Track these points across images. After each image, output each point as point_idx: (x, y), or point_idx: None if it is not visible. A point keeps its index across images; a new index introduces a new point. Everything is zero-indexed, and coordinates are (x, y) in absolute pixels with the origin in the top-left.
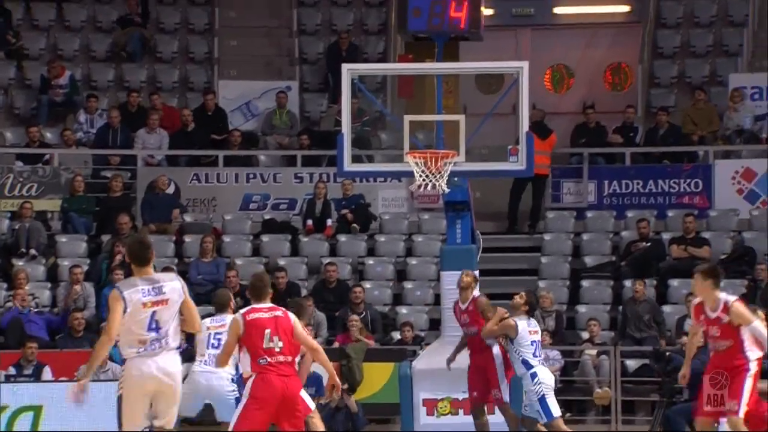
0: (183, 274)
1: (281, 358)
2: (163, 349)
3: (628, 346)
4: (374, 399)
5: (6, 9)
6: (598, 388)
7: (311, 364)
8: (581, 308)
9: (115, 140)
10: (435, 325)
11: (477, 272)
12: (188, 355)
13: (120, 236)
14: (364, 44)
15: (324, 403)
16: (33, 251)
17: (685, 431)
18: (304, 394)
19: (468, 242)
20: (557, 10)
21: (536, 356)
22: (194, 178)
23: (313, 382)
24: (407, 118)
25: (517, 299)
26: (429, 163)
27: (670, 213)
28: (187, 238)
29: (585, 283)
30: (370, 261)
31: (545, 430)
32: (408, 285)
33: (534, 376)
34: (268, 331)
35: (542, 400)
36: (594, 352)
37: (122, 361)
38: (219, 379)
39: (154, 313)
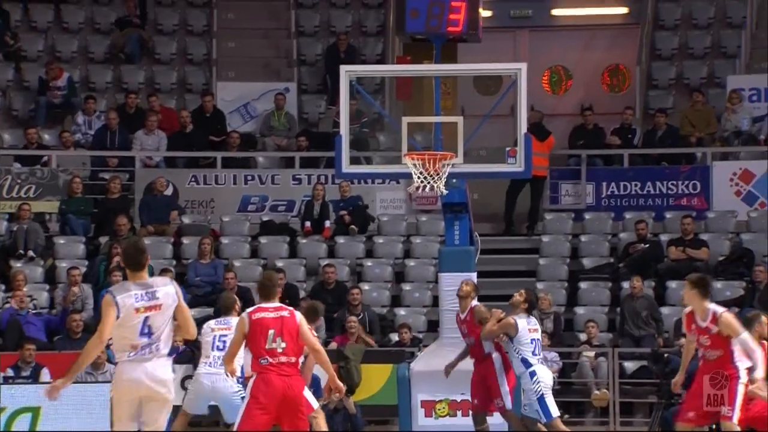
0: (181, 275)
1: (283, 358)
2: (154, 355)
3: (626, 348)
4: (372, 400)
5: (4, 10)
6: (597, 389)
7: (314, 365)
8: (579, 310)
9: (113, 142)
10: (433, 326)
11: (475, 278)
12: (188, 357)
13: (118, 238)
14: (363, 46)
15: (322, 404)
16: (31, 253)
17: None
18: (307, 393)
19: (466, 244)
20: (555, 11)
21: (535, 354)
22: (192, 179)
23: (311, 384)
24: (405, 120)
25: (517, 297)
26: (427, 164)
27: (668, 215)
28: (186, 240)
29: (583, 284)
30: (369, 262)
31: (546, 430)
32: (406, 287)
33: (533, 374)
34: (272, 331)
35: (541, 399)
36: (592, 353)
37: (115, 364)
38: (224, 381)
39: (146, 318)
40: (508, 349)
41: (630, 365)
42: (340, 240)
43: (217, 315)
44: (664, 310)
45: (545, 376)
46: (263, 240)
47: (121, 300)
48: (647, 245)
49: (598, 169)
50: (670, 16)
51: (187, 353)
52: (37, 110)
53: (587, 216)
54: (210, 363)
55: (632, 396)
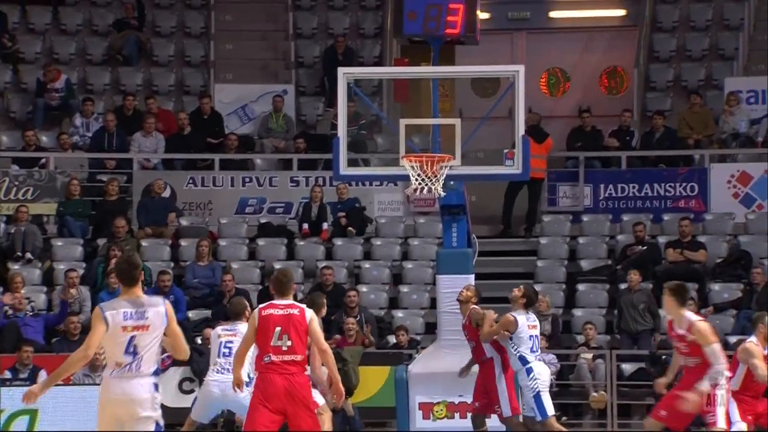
0: (179, 277)
1: (287, 357)
2: (135, 375)
3: (624, 350)
4: (370, 402)
5: (2, 12)
6: (594, 391)
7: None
8: (577, 312)
9: (111, 144)
10: (431, 328)
11: (473, 280)
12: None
13: (116, 240)
14: (360, 48)
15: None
16: (29, 255)
17: None
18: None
19: (464, 246)
20: (553, 14)
21: (534, 351)
22: (190, 181)
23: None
24: (403, 122)
25: (516, 292)
26: (425, 166)
27: (666, 217)
28: (183, 242)
29: (581, 286)
30: (366, 264)
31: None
32: (404, 289)
33: (529, 371)
34: (278, 329)
35: (537, 396)
36: (590, 355)
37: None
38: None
39: (133, 337)
40: (507, 346)
41: (628, 367)
42: (338, 242)
43: (215, 318)
44: (662, 312)
45: (542, 373)
46: (261, 242)
47: (110, 316)
48: (645, 247)
49: (595, 171)
50: (668, 18)
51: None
52: (35, 112)
53: (585, 218)
54: (218, 370)
55: (630, 398)
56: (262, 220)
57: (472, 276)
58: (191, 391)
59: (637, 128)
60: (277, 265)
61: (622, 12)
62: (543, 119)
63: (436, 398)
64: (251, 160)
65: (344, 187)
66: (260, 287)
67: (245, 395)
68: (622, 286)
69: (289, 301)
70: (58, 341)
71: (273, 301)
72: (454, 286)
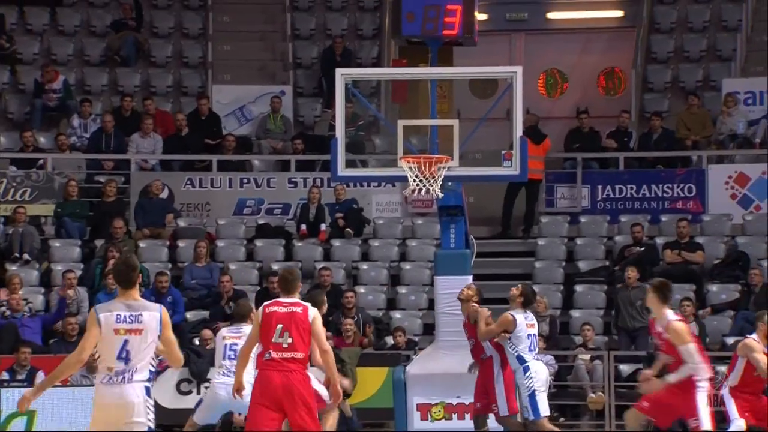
0: (177, 278)
1: (287, 354)
2: (125, 382)
3: (621, 351)
4: (368, 403)
5: None
6: (592, 392)
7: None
8: (575, 313)
9: (109, 145)
10: (429, 329)
11: (470, 281)
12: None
13: (114, 241)
14: (358, 49)
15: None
16: (26, 256)
17: None
18: (319, 387)
19: (462, 247)
20: (551, 15)
21: (532, 350)
22: (188, 182)
23: None
24: (401, 123)
25: (513, 291)
26: (423, 167)
27: (664, 218)
28: (181, 243)
29: (579, 288)
30: (364, 266)
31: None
32: (402, 290)
33: (526, 370)
34: (280, 326)
35: (532, 396)
36: (588, 356)
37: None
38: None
39: (126, 341)
40: (505, 345)
41: (625, 368)
42: (336, 243)
43: (213, 319)
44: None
45: (539, 373)
46: (259, 243)
47: (104, 318)
48: (643, 248)
49: (593, 172)
50: (666, 19)
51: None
52: (33, 113)
53: (583, 219)
54: (224, 372)
55: (628, 399)
56: (260, 221)
57: (470, 277)
58: (189, 392)
59: (635, 129)
60: (275, 266)
61: (619, 13)
62: (541, 120)
63: (434, 399)
64: (249, 161)
65: (342, 188)
66: (258, 288)
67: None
68: (620, 286)
69: (294, 299)
70: (55, 342)
71: (278, 299)
72: (452, 287)
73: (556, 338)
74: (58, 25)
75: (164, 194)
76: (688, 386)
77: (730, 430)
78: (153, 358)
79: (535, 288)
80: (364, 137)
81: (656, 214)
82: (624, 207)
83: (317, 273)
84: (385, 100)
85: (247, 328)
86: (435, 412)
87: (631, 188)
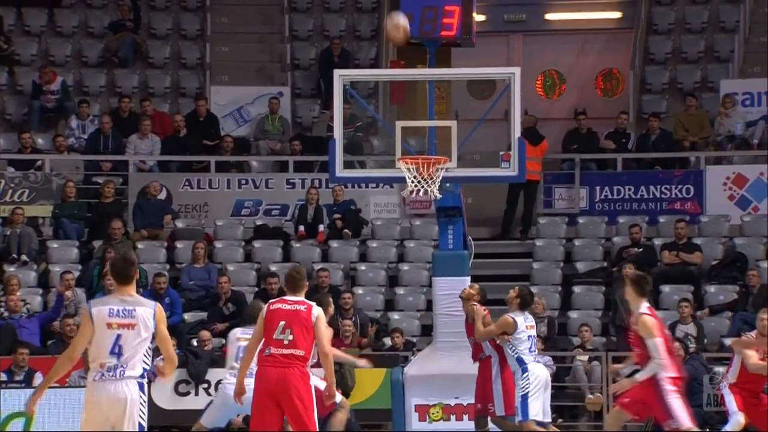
0: (175, 279)
1: (287, 350)
2: (118, 378)
3: (619, 352)
4: (366, 405)
5: None
6: (590, 393)
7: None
8: (573, 314)
9: (107, 146)
10: (427, 330)
11: (469, 282)
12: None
13: (112, 242)
14: (356, 50)
15: None
16: (24, 257)
17: None
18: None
19: (460, 248)
20: (549, 16)
21: (532, 352)
22: (186, 183)
23: None
24: (399, 124)
25: (510, 293)
26: (421, 168)
27: (662, 219)
28: (179, 244)
29: (577, 289)
30: (362, 267)
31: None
32: (400, 291)
33: (524, 371)
34: (282, 322)
35: (524, 397)
36: (586, 357)
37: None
38: (250, 391)
39: (118, 336)
40: (504, 347)
41: (624, 369)
42: (334, 244)
43: (211, 320)
44: (658, 314)
45: (538, 375)
46: (257, 244)
47: (96, 311)
48: (641, 249)
49: (591, 174)
50: (664, 20)
51: (181, 357)
52: (31, 114)
53: (581, 220)
54: (234, 374)
55: None
56: (258, 222)
57: (468, 278)
58: (187, 394)
59: (633, 130)
60: (273, 267)
61: (617, 14)
62: (539, 121)
63: (432, 400)
64: (247, 162)
65: (340, 189)
66: (256, 289)
67: None
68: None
69: (300, 298)
70: (53, 343)
71: (284, 297)
72: (450, 288)
73: (554, 339)
74: (55, 27)
75: (162, 195)
76: (654, 386)
77: (726, 428)
78: (147, 355)
79: (533, 289)
80: (362, 138)
81: (654, 215)
82: (622, 208)
83: (315, 274)
84: (383, 101)
85: None
86: (433, 413)
87: (629, 189)
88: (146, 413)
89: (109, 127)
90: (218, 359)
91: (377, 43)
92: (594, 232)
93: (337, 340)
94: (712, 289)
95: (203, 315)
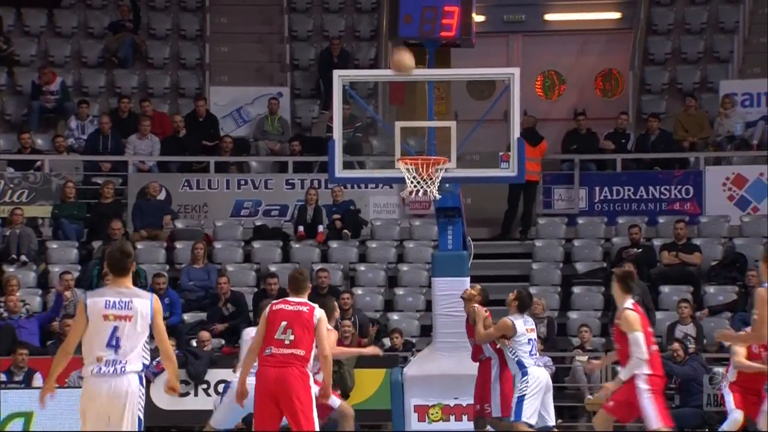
0: (174, 280)
1: (287, 350)
2: (119, 374)
3: None
4: (365, 405)
5: None
6: (590, 394)
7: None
8: (572, 314)
9: (106, 146)
10: (426, 331)
11: (468, 282)
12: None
13: (111, 242)
14: (356, 50)
15: None
16: (24, 258)
17: None
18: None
19: (459, 248)
20: (548, 16)
21: (532, 355)
22: (185, 184)
23: None
24: (398, 125)
25: (510, 296)
26: (420, 169)
27: (661, 219)
28: (179, 245)
29: (576, 289)
30: (362, 267)
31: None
32: (399, 291)
33: (524, 374)
34: (284, 322)
35: (521, 398)
36: (585, 358)
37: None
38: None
39: (115, 328)
40: (505, 350)
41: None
42: (333, 245)
43: (210, 320)
44: (658, 315)
45: (538, 378)
46: (256, 245)
47: (91, 302)
48: (640, 250)
49: (591, 174)
50: (663, 21)
51: (180, 357)
52: (30, 115)
53: (580, 221)
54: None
55: None
56: (258, 223)
57: (468, 278)
58: (186, 394)
59: (632, 131)
60: (273, 268)
61: (617, 15)
62: (538, 122)
63: (432, 401)
64: (246, 162)
65: (339, 190)
66: (255, 290)
67: None
68: None
69: (303, 299)
70: (53, 343)
71: (287, 298)
72: (450, 288)
73: (554, 340)
74: (55, 27)
75: (162, 196)
76: (630, 384)
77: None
78: (145, 349)
79: (533, 290)
80: (361, 139)
81: (653, 216)
82: (621, 208)
83: (314, 275)
84: (382, 101)
85: None
86: (432, 414)
87: (629, 190)
88: (143, 406)
89: (109, 128)
90: (218, 360)
91: (377, 43)
92: (593, 233)
93: (337, 341)
94: (711, 289)
95: (203, 315)
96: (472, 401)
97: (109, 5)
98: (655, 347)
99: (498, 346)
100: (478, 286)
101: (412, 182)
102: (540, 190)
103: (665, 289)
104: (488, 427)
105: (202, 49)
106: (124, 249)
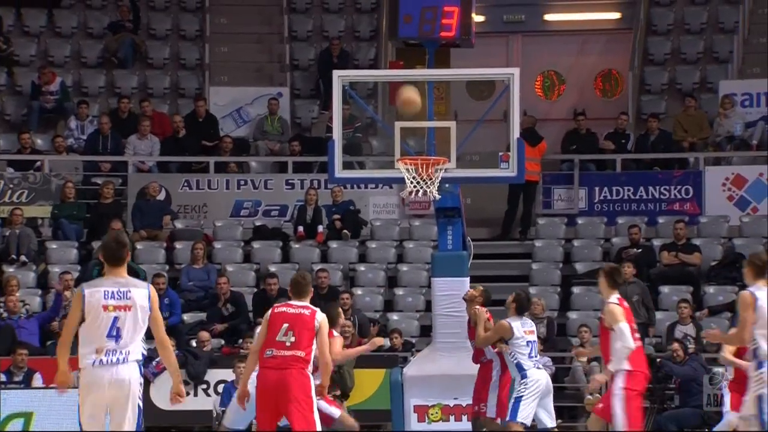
0: (174, 280)
1: (287, 352)
2: (121, 363)
3: None
4: (365, 405)
5: None
6: (589, 394)
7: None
8: (572, 315)
9: (106, 147)
10: (426, 331)
11: (468, 283)
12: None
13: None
14: (356, 50)
15: None
16: (23, 258)
17: None
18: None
19: (459, 249)
20: (548, 16)
21: (531, 357)
22: (185, 184)
23: None
24: (398, 125)
25: (508, 298)
26: (420, 169)
27: (661, 219)
28: (178, 245)
29: (576, 289)
30: (362, 267)
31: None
32: (399, 291)
33: (523, 377)
34: (285, 325)
35: (518, 399)
36: (585, 358)
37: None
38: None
39: (116, 319)
40: (504, 353)
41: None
42: (333, 245)
43: (210, 321)
44: (657, 315)
45: (537, 380)
46: (256, 245)
47: (89, 293)
48: (640, 250)
49: (590, 174)
50: (663, 21)
51: (180, 357)
52: (30, 115)
53: (580, 221)
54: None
55: None
56: (257, 223)
57: (467, 279)
58: (186, 394)
59: (632, 131)
60: (272, 268)
61: (616, 15)
62: (538, 122)
63: (431, 401)
64: (246, 162)
65: (339, 190)
66: (255, 290)
67: None
68: None
69: (306, 303)
70: (53, 344)
71: (289, 302)
72: (449, 288)
73: (554, 340)
74: (55, 27)
75: (161, 196)
76: (611, 380)
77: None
78: (144, 339)
79: (532, 290)
80: (361, 139)
81: (653, 216)
82: (621, 209)
83: (314, 275)
84: (382, 101)
85: None
86: (432, 414)
87: (629, 190)
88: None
89: (108, 128)
90: (217, 360)
91: (376, 43)
92: (593, 233)
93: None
94: (711, 289)
95: (202, 316)
96: (471, 401)
97: (108, 5)
98: (639, 343)
99: (496, 350)
100: (480, 287)
101: (411, 182)
102: (540, 191)
103: (665, 289)
104: (485, 429)
105: (202, 50)
106: (119, 239)
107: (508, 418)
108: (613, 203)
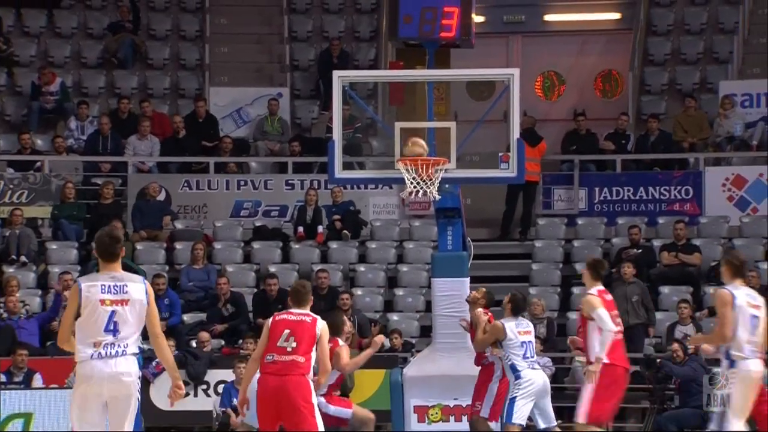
0: (174, 280)
1: (288, 358)
2: (120, 356)
3: None
4: (365, 406)
5: None
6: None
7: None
8: (572, 315)
9: (106, 147)
10: (426, 331)
11: (467, 283)
12: (181, 362)
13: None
14: (356, 51)
15: None
16: (23, 258)
17: None
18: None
19: (459, 249)
20: (548, 17)
21: (527, 358)
22: (185, 184)
23: None
24: (398, 125)
25: (504, 299)
26: (420, 170)
27: (661, 220)
28: (178, 245)
29: (576, 290)
30: (361, 268)
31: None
32: (399, 292)
33: (518, 378)
34: (287, 331)
35: (512, 400)
36: (585, 358)
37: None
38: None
39: (113, 313)
40: (497, 356)
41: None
42: (333, 245)
43: (210, 321)
44: (657, 315)
45: (532, 380)
46: (256, 245)
47: (86, 288)
48: (640, 250)
49: (590, 175)
50: (663, 21)
51: (180, 358)
52: (30, 115)
53: (580, 221)
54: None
55: (625, 401)
56: (257, 223)
57: (467, 279)
58: (186, 395)
59: (632, 131)
60: (272, 269)
61: (616, 15)
62: (538, 122)
63: (432, 401)
64: (246, 163)
65: (339, 190)
66: (255, 290)
67: None
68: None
69: (306, 311)
70: (52, 344)
71: (290, 309)
72: (449, 289)
73: (554, 340)
74: (55, 27)
75: (161, 196)
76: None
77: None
78: (139, 336)
79: (532, 290)
80: (361, 139)
81: (653, 217)
82: (621, 209)
83: (314, 275)
84: (382, 102)
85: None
86: (432, 414)
87: (629, 190)
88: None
89: (108, 128)
90: (217, 360)
91: (376, 44)
92: (593, 233)
93: (336, 342)
94: (711, 290)
95: (202, 316)
96: (471, 402)
97: (108, 6)
98: (619, 336)
99: (494, 352)
100: (483, 289)
101: (411, 183)
102: (540, 191)
103: (665, 289)
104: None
105: (202, 50)
106: (113, 234)
107: (504, 421)
108: (613, 204)
